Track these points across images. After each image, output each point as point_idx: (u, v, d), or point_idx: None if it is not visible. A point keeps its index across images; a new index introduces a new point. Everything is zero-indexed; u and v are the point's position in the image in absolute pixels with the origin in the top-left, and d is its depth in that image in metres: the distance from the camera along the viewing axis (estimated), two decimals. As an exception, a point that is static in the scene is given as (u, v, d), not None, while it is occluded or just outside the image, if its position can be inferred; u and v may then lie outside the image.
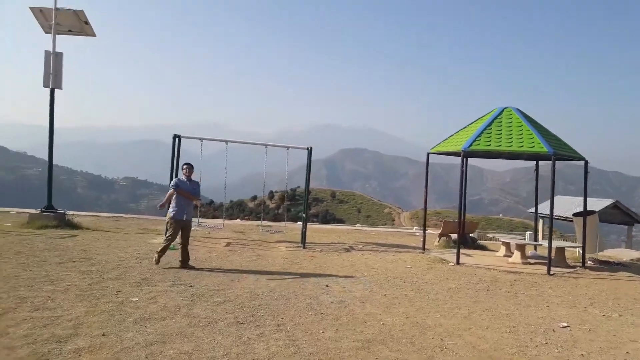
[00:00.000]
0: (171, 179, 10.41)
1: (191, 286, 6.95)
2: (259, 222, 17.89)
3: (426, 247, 13.03)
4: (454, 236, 14.26)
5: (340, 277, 8.41)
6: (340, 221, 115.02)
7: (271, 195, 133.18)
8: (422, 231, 18.71)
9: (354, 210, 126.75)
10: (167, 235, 8.55)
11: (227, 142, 11.65)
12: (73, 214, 15.44)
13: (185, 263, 8.52)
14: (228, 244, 11.80)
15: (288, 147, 11.95)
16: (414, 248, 13.31)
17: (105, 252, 9.50)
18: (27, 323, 4.72)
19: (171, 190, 8.51)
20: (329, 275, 8.46)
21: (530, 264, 11.63)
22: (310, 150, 11.92)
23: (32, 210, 13.76)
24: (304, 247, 11.82)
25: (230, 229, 15.28)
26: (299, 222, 22.53)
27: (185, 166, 8.72)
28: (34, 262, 7.93)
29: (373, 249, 12.69)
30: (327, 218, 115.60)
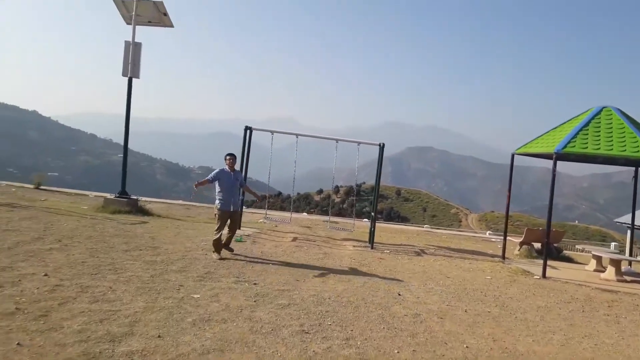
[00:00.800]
0: (241, 164, 10.59)
1: (255, 284, 6.57)
2: (325, 217, 17.51)
3: (505, 255, 11.99)
4: (537, 245, 13.08)
5: (413, 284, 7.72)
6: (404, 219, 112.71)
7: (337, 189, 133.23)
8: (498, 237, 17.55)
9: (419, 209, 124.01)
10: (215, 228, 8.35)
11: (297, 135, 11.24)
12: (145, 200, 15.75)
13: (226, 246, 8.50)
14: (294, 239, 11.43)
15: (359, 143, 11.37)
16: (492, 256, 12.29)
17: (172, 241, 9.40)
18: (84, 316, 4.48)
19: (208, 178, 8.24)
20: (400, 281, 7.81)
21: (626, 281, 10.35)
22: (382, 147, 11.27)
23: (108, 195, 14.11)
24: (371, 248, 11.21)
25: (296, 223, 14.96)
26: (365, 219, 21.95)
27: (228, 157, 8.39)
28: (102, 248, 7.90)
29: (446, 254, 11.84)
30: (392, 215, 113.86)
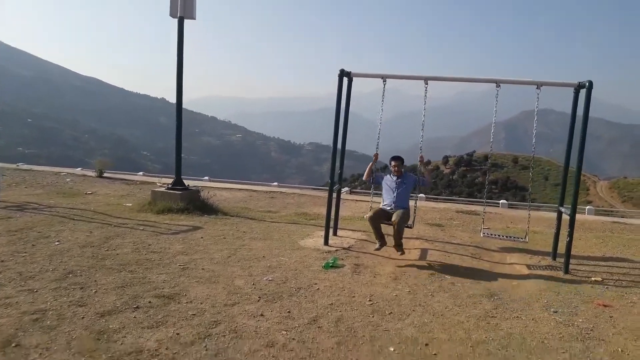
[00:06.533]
0: (335, 130, 7.04)
1: None
2: (463, 207, 12.47)
3: None
4: None
5: None
6: (523, 189, 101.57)
7: (445, 160, 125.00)
8: None
9: (540, 178, 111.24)
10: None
11: (426, 79, 6.56)
12: (216, 189, 12.15)
13: (398, 247, 6.53)
14: (422, 254, 6.95)
15: (539, 85, 6.32)
16: None
17: (216, 273, 5.38)
18: None
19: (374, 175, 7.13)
20: None
21: None
22: (586, 87, 6.12)
23: (160, 183, 10.51)
24: (565, 272, 6.32)
25: (417, 215, 10.37)
26: (502, 200, 16.61)
27: (392, 162, 6.96)
28: (57, 307, 4.05)
29: None
30: (508, 186, 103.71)
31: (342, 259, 6.32)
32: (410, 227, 6.84)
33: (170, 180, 10.23)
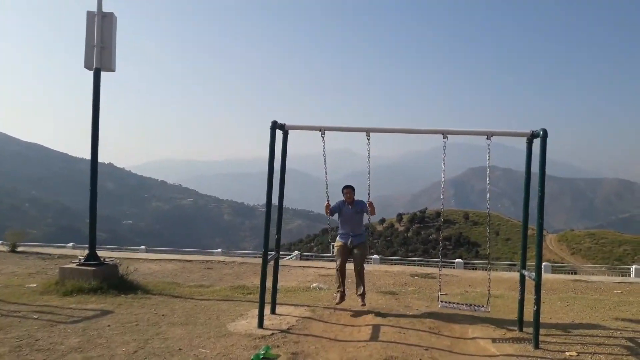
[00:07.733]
0: (269, 190, 6.29)
1: None
2: (418, 270, 11.65)
3: None
4: None
5: None
6: (475, 245, 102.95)
7: (399, 217, 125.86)
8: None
9: (492, 233, 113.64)
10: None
11: (368, 131, 5.86)
12: (132, 266, 10.81)
13: (362, 298, 7.00)
14: (374, 333, 5.95)
15: (489, 135, 5.76)
16: None
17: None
18: None
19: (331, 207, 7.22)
20: None
21: None
22: (540, 136, 5.57)
23: (82, 257, 9.11)
24: (536, 347, 5.47)
25: (371, 280, 9.44)
26: (458, 260, 16.11)
27: (345, 190, 7.39)
28: None
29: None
30: (462, 242, 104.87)
31: (278, 346, 5.23)
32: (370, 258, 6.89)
33: (101, 253, 8.89)
